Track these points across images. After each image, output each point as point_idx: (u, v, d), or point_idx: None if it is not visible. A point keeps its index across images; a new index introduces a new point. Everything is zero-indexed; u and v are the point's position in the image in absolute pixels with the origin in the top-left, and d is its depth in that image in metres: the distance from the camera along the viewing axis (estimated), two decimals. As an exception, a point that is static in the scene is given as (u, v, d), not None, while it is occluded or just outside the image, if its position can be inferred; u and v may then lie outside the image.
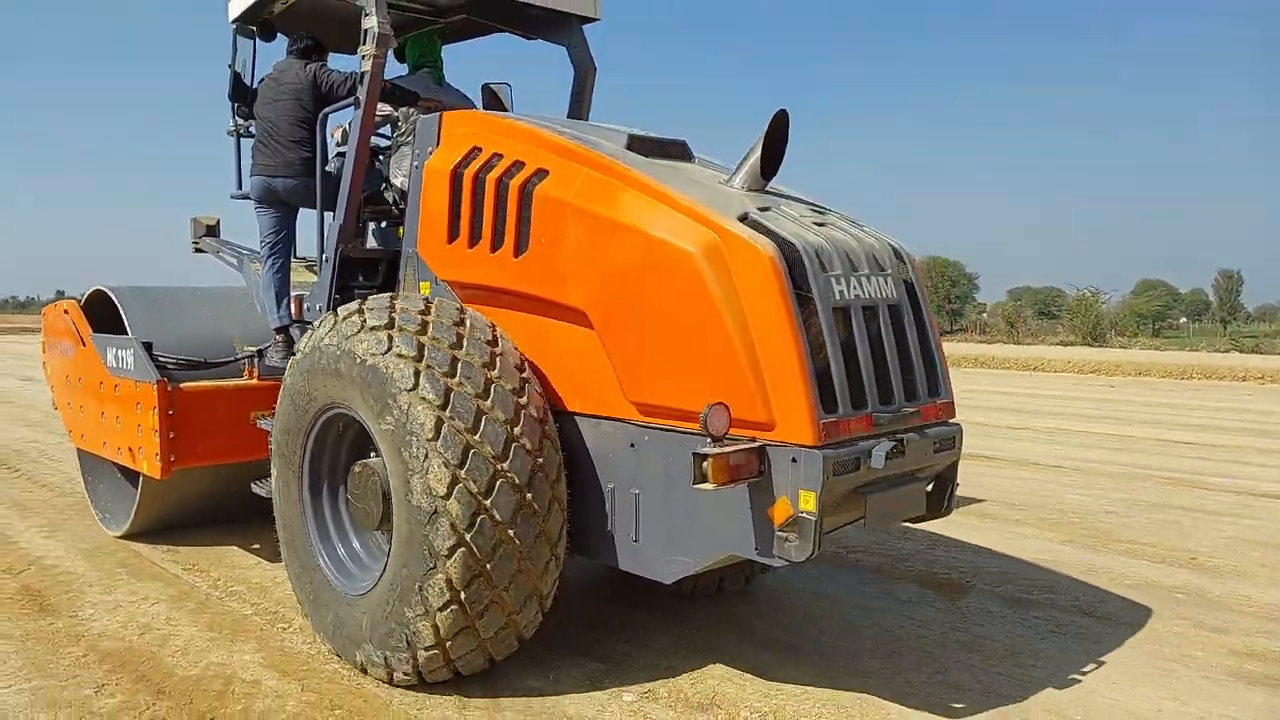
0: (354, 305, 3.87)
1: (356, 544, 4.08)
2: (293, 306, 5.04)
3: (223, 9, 5.38)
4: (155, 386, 4.98)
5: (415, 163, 4.33)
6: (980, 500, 7.25)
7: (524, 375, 3.67)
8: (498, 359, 3.62)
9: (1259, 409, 14.23)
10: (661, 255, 3.34)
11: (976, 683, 3.81)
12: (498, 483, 3.35)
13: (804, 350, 3.10)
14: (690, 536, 3.41)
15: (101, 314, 5.82)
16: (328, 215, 4.72)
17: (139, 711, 3.50)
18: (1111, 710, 3.58)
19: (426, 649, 3.45)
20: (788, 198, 3.80)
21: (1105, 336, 34.21)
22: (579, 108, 5.42)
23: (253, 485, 4.82)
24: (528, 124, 4.09)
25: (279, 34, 5.29)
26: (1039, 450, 9.88)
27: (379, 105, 4.66)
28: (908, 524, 6.16)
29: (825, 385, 3.15)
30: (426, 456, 3.34)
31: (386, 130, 5.14)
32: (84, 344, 5.78)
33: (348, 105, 4.70)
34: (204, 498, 5.78)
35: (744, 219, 3.34)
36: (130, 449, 5.29)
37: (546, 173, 3.79)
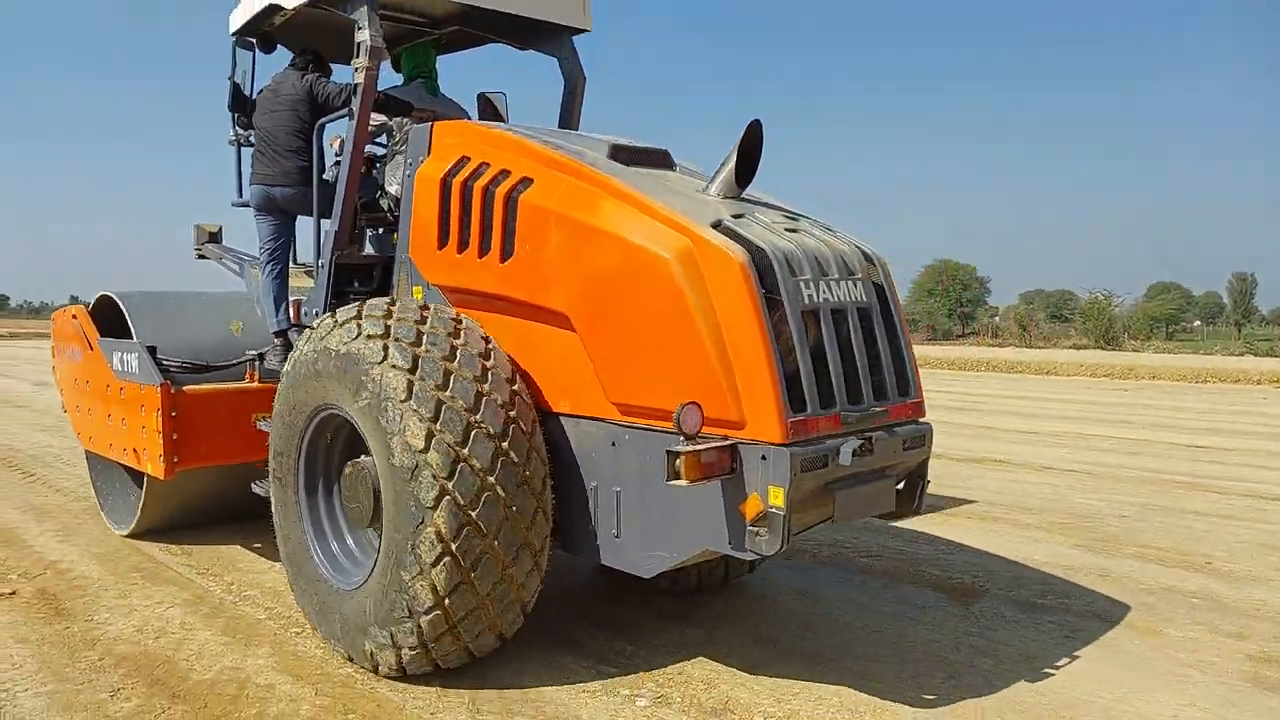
0: (325, 316, 4.10)
1: (352, 542, 4.20)
2: (291, 311, 5.17)
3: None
4: (159, 389, 5.11)
5: (407, 171, 4.45)
6: (993, 505, 7.17)
7: (489, 344, 3.87)
8: (461, 331, 3.83)
9: (1273, 412, 14.15)
10: (638, 260, 3.45)
11: (990, 687, 3.78)
12: (472, 433, 3.50)
13: (773, 352, 3.20)
14: (668, 532, 3.51)
15: (109, 319, 5.96)
16: (324, 222, 4.85)
17: (154, 715, 3.54)
18: (1128, 716, 3.57)
19: (427, 611, 3.50)
20: (763, 205, 3.89)
21: (1118, 340, 34.12)
22: (569, 117, 5.52)
23: (253, 485, 4.95)
24: (514, 134, 4.21)
25: (279, 46, 5.42)
26: (1052, 454, 9.82)
27: (374, 115, 4.79)
28: (911, 527, 6.23)
29: (794, 385, 3.25)
30: (402, 417, 3.50)
31: (382, 139, 5.28)
32: (91, 348, 5.92)
33: (343, 116, 4.82)
34: (207, 498, 5.92)
35: (718, 225, 3.44)
36: (135, 450, 5.43)
37: (531, 181, 3.91)
